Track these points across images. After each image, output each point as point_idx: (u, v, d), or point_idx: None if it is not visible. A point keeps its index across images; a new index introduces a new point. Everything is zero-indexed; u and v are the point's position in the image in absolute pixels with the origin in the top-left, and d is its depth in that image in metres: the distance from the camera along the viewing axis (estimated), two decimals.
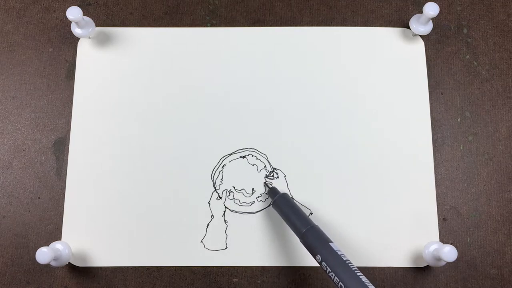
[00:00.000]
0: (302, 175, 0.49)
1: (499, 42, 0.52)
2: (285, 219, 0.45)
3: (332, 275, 0.39)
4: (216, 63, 0.52)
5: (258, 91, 0.51)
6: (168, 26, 0.53)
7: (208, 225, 0.48)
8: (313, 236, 0.42)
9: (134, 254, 0.48)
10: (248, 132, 0.50)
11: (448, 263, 0.46)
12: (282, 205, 0.46)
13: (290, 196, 0.48)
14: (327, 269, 0.40)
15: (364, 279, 0.38)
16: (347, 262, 0.39)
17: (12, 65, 0.52)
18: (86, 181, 0.49)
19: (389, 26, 0.53)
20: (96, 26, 0.52)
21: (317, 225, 0.43)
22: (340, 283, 0.38)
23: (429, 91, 0.51)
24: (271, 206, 0.48)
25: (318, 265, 0.41)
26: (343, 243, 0.48)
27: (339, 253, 0.40)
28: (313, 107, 0.51)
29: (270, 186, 0.49)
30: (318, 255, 0.41)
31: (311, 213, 0.48)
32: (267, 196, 0.49)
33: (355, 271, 0.39)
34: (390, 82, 0.51)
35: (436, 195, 0.49)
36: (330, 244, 0.41)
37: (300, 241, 0.43)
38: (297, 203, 0.48)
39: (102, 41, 0.52)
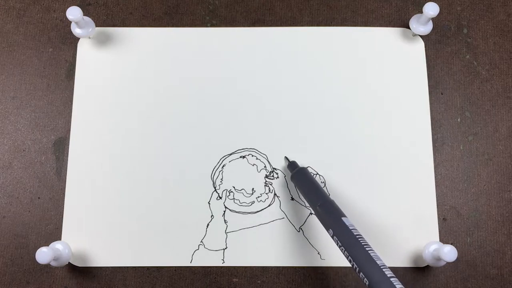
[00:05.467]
0: None
1: (499, 42, 0.52)
2: (301, 192, 0.46)
3: (342, 249, 0.39)
4: (216, 63, 0.52)
5: (258, 91, 0.51)
6: (168, 26, 0.53)
7: (208, 225, 0.48)
8: (326, 211, 0.42)
9: (134, 254, 0.48)
10: (248, 132, 0.50)
11: (448, 263, 0.46)
12: (299, 179, 0.46)
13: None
14: (338, 243, 0.40)
15: (373, 253, 0.38)
16: (357, 236, 0.39)
17: (12, 65, 0.52)
18: (86, 181, 0.49)
19: (389, 26, 0.53)
20: (96, 26, 0.52)
21: (332, 200, 0.43)
22: (350, 257, 0.38)
23: (429, 91, 0.51)
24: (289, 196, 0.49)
25: (320, 264, 0.40)
26: None
27: (351, 227, 0.40)
28: (313, 107, 0.51)
29: (290, 160, 0.49)
30: (330, 229, 0.41)
31: (311, 213, 0.48)
32: (267, 196, 0.49)
33: (365, 246, 0.38)
34: (390, 82, 0.51)
35: (436, 195, 0.49)
36: (343, 218, 0.41)
37: (315, 214, 0.44)
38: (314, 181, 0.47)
39: (102, 41, 0.52)
